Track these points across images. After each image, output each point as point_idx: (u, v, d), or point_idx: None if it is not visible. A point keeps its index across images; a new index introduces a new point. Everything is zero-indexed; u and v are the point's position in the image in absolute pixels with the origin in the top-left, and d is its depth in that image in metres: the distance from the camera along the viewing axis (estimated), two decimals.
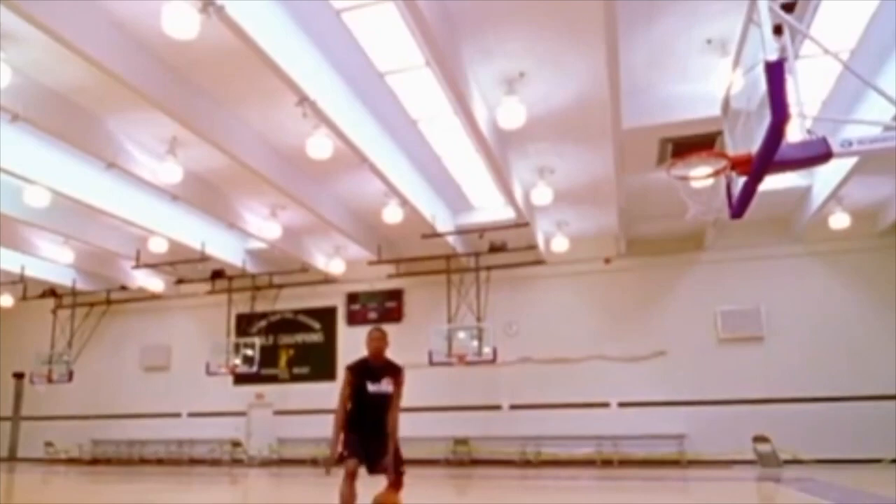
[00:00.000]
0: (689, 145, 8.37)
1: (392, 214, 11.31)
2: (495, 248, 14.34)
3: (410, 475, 4.63)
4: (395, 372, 4.66)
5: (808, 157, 4.12)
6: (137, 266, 14.88)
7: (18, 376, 19.10)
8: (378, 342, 4.65)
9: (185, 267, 15.21)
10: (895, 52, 7.52)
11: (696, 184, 5.28)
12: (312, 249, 14.89)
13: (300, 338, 16.63)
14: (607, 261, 14.46)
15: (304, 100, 7.64)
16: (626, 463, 13.31)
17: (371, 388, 4.54)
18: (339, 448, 4.42)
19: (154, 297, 17.32)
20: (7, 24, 6.88)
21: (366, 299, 16.01)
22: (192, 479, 12.44)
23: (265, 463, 15.84)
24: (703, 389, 13.35)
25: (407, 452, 4.71)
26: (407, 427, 5.21)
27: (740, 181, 4.51)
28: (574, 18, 7.10)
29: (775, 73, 3.65)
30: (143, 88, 7.59)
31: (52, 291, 17.57)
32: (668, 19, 7.21)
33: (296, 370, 16.47)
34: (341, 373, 4.80)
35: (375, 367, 4.61)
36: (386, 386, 4.58)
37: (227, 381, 16.45)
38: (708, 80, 8.01)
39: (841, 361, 12.65)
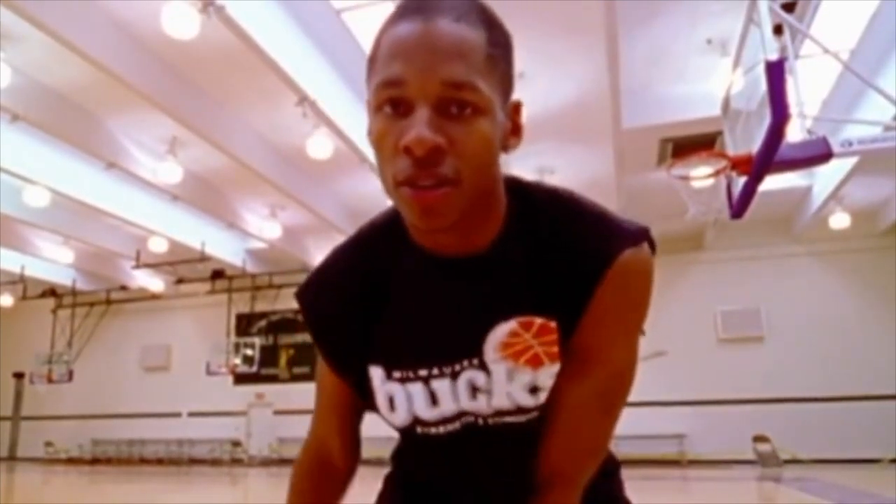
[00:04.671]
0: (690, 145, 8.37)
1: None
2: None
3: None
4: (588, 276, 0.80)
5: (809, 158, 4.13)
6: (137, 266, 14.87)
7: (18, 376, 19.09)
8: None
9: (185, 267, 15.20)
10: (895, 52, 7.52)
11: (696, 184, 5.29)
12: (312, 249, 14.88)
13: (300, 338, 16.60)
14: None
15: (304, 100, 7.64)
16: (625, 463, 13.23)
17: (423, 410, 0.86)
18: None
19: (154, 297, 17.30)
20: (7, 24, 6.87)
21: None
22: (192, 479, 12.44)
23: (265, 463, 15.83)
24: (703, 389, 13.34)
25: None
26: None
27: (740, 181, 4.52)
28: (574, 18, 7.09)
29: (775, 73, 3.65)
30: (143, 88, 7.58)
31: (52, 291, 17.56)
32: (668, 19, 7.21)
33: (296, 370, 16.46)
34: None
35: (453, 263, 0.82)
36: (527, 377, 0.81)
37: (227, 381, 16.44)
38: (708, 80, 8.01)
39: (841, 361, 12.65)
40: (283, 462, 15.74)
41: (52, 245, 14.13)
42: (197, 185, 11.18)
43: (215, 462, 16.35)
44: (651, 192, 11.34)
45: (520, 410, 0.84)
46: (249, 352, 15.88)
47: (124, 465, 16.77)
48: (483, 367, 0.83)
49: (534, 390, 0.82)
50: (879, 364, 12.32)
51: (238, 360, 15.79)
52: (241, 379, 16.34)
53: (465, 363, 0.83)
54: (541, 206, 0.84)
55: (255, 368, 15.76)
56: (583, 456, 0.87)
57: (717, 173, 4.66)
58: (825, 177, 10.59)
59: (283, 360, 16.63)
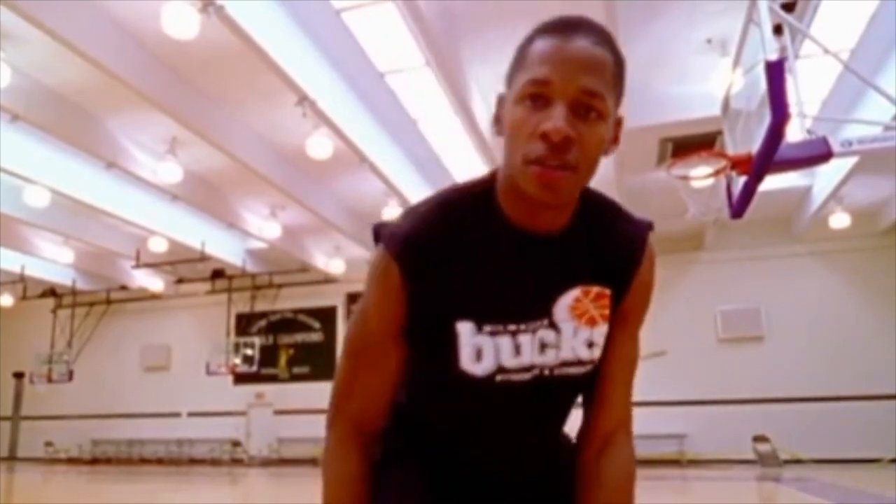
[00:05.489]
0: (690, 145, 8.37)
1: (392, 214, 11.32)
2: None
3: None
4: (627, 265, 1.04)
5: (809, 157, 4.13)
6: (137, 266, 14.88)
7: (18, 376, 19.10)
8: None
9: (185, 267, 15.21)
10: (895, 52, 7.52)
11: (696, 184, 5.29)
12: (312, 249, 14.88)
13: (300, 337, 16.62)
14: None
15: (303, 100, 7.64)
16: None
17: (508, 359, 0.99)
18: None
19: (154, 296, 17.31)
20: (7, 24, 6.88)
21: None
22: (192, 478, 12.44)
23: (265, 463, 15.83)
24: (703, 389, 13.35)
25: None
26: None
27: (740, 181, 4.52)
28: None
29: (775, 72, 3.65)
30: (143, 88, 7.59)
31: (52, 291, 17.56)
32: (668, 19, 7.21)
33: (296, 370, 16.46)
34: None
35: (531, 235, 0.98)
36: (585, 332, 1.01)
37: (227, 381, 16.44)
38: (708, 80, 8.01)
39: (841, 361, 12.65)
40: (282, 462, 15.75)
41: (52, 245, 14.14)
42: (197, 185, 11.19)
43: (215, 462, 16.36)
44: (651, 192, 11.34)
45: (579, 362, 1.03)
46: (249, 352, 15.88)
47: (124, 465, 16.77)
48: (553, 326, 1.01)
49: (590, 345, 1.03)
50: (879, 364, 12.32)
51: (238, 360, 15.80)
52: (240, 379, 16.34)
53: (539, 322, 1.00)
54: (593, 199, 1.07)
55: (254, 368, 15.77)
56: (629, 404, 1.10)
57: (716, 173, 4.66)
58: (825, 177, 10.59)
59: (282, 359, 16.63)
